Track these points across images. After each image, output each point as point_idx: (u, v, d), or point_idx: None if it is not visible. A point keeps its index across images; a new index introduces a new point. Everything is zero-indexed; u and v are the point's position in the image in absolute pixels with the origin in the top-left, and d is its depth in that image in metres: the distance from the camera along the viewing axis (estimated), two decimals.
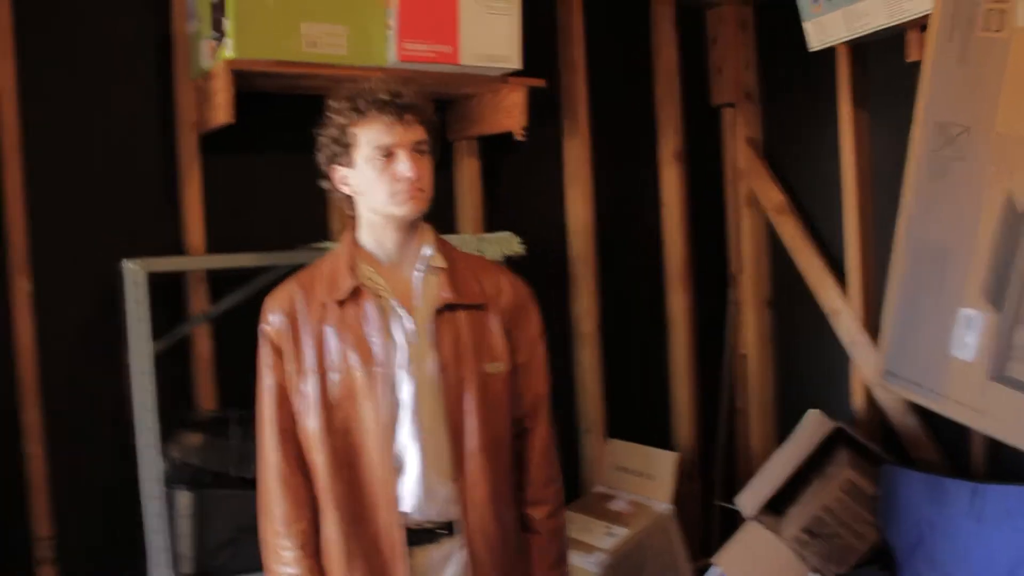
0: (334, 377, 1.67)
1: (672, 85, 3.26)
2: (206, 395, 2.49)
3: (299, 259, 2.25)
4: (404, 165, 1.64)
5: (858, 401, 2.91)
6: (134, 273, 2.11)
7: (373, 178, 1.65)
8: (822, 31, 2.50)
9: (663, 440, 3.24)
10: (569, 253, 3.11)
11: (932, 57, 2.06)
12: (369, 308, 1.68)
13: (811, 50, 2.54)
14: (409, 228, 1.73)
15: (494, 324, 1.74)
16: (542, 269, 3.02)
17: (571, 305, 3.12)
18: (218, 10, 2.20)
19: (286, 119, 2.58)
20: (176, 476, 2.24)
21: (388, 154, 1.64)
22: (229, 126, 2.33)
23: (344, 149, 1.68)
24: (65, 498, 2.34)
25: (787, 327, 3.31)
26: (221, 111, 2.20)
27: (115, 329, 2.35)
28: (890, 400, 2.77)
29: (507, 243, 2.51)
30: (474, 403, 1.68)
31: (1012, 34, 1.93)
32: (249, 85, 2.30)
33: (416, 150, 1.67)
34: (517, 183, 3.03)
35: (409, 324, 1.68)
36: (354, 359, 1.67)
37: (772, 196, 3.20)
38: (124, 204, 2.44)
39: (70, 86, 2.37)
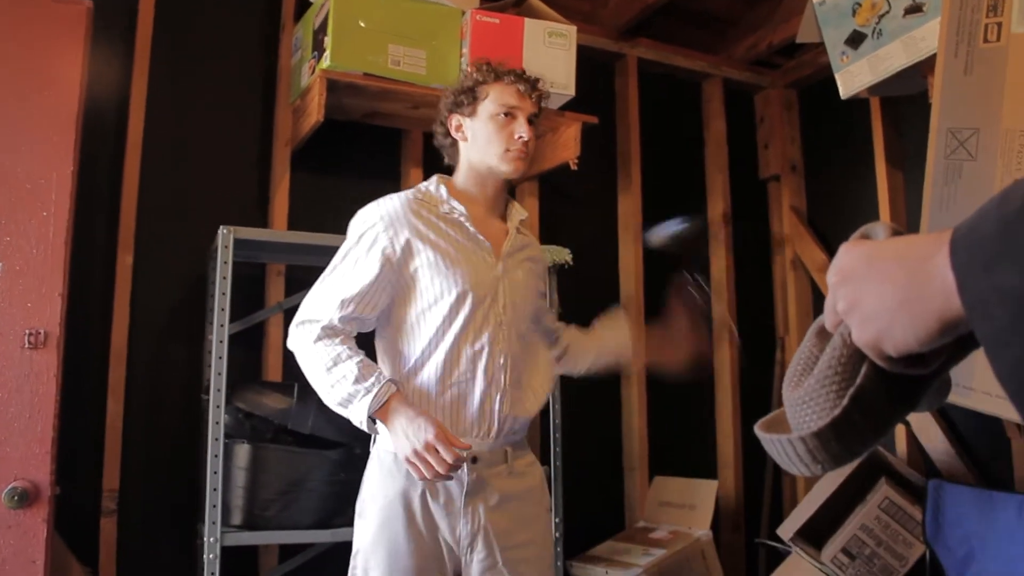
0: None
1: (721, 154, 3.54)
2: (273, 376, 2.70)
3: None
4: (523, 128, 1.88)
5: (900, 440, 2.93)
6: (225, 237, 2.39)
7: (492, 132, 1.88)
8: (851, 79, 2.75)
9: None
10: (620, 294, 3.30)
11: (941, 72, 2.28)
12: None
13: (843, 98, 2.78)
14: (503, 189, 1.96)
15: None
16: (593, 308, 3.23)
17: None
18: (320, 31, 2.60)
19: (361, 148, 2.95)
20: (237, 430, 2.42)
21: (510, 115, 1.89)
22: (313, 149, 2.68)
23: (472, 100, 1.92)
24: (133, 455, 2.54)
25: None
26: (314, 113, 2.55)
27: (199, 309, 2.63)
28: (928, 430, 2.80)
29: (558, 253, 2.73)
30: None
31: (1009, 41, 2.16)
32: (338, 103, 2.67)
33: (531, 120, 1.92)
34: (572, 228, 3.28)
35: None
36: None
37: (815, 257, 3.37)
38: (222, 202, 2.78)
39: (190, 104, 2.78)
